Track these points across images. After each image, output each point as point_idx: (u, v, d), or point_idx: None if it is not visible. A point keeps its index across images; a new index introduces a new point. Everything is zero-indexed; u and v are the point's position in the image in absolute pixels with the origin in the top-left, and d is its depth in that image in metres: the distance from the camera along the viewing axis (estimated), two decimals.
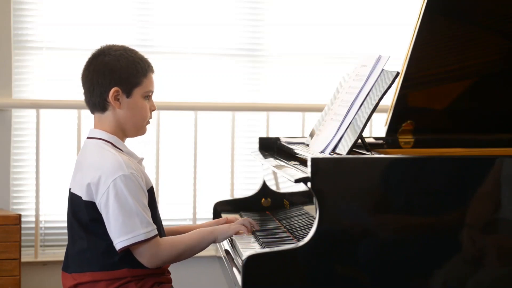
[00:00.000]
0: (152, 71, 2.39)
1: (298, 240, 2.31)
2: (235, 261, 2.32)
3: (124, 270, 2.27)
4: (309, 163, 2.13)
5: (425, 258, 2.17)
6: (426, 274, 2.17)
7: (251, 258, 2.06)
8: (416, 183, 2.20)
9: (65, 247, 2.40)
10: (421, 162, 2.24)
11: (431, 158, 2.35)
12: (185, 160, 4.06)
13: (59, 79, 3.91)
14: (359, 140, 2.35)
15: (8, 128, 3.81)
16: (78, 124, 3.84)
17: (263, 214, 2.92)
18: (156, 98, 2.46)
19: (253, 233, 2.49)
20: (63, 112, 3.90)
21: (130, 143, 2.42)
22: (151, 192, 2.35)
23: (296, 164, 2.45)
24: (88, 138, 2.37)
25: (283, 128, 4.15)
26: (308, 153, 2.39)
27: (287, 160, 2.60)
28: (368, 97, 2.39)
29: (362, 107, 2.39)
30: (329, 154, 2.39)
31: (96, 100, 2.34)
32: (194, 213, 4.00)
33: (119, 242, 2.22)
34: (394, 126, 3.02)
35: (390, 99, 2.97)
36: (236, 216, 2.78)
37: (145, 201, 2.28)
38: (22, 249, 3.60)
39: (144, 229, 2.23)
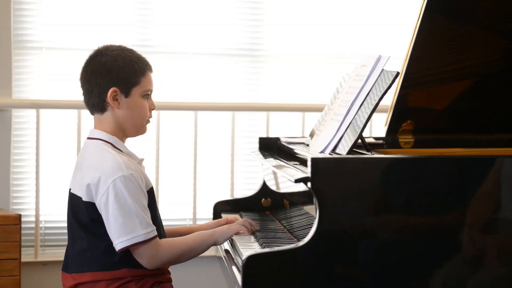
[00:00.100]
0: (150, 70, 2.38)
1: (298, 240, 2.30)
2: (235, 261, 2.32)
3: (124, 270, 2.27)
4: (309, 163, 2.13)
5: (425, 258, 2.17)
6: (426, 274, 2.17)
7: (251, 258, 2.06)
8: (416, 183, 2.20)
9: (65, 247, 2.40)
10: (421, 162, 2.24)
11: (431, 158, 2.34)
12: (185, 160, 4.06)
13: (59, 79, 3.91)
14: (359, 140, 2.35)
15: (8, 128, 3.81)
16: (78, 124, 3.84)
17: (263, 214, 2.91)
18: (156, 98, 2.46)
19: (253, 233, 2.49)
20: (63, 112, 3.90)
21: (130, 143, 2.42)
22: (151, 193, 2.34)
23: (296, 164, 2.45)
24: (88, 138, 2.37)
25: (283, 128, 4.14)
26: (308, 153, 2.39)
27: (287, 160, 2.60)
28: (368, 97, 2.39)
29: (362, 107, 2.38)
30: (329, 154, 2.38)
31: (95, 101, 2.34)
32: (194, 213, 4.00)
33: (119, 242, 2.22)
34: (394, 126, 3.02)
35: (390, 99, 2.96)
36: (236, 216, 2.78)
37: (145, 202, 2.28)
38: (22, 249, 3.60)
39: (143, 230, 2.23)
